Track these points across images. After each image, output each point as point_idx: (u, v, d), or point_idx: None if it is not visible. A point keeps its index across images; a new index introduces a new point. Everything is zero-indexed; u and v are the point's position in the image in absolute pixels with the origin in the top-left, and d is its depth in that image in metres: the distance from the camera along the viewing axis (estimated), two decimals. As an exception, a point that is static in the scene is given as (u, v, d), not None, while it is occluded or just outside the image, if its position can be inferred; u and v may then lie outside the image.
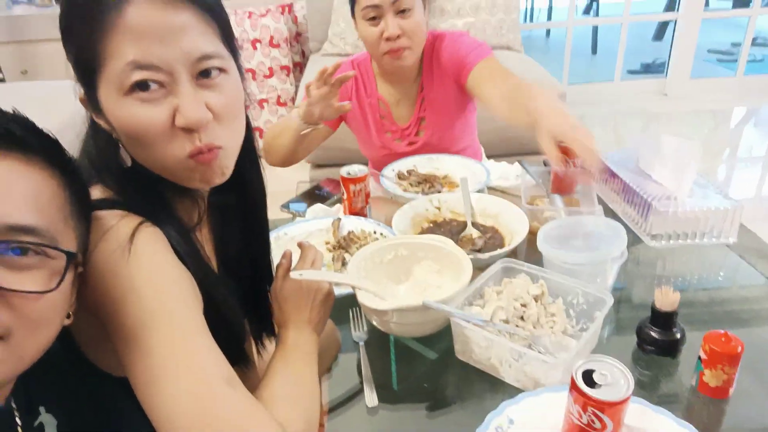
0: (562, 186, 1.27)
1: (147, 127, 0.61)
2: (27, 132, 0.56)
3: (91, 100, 0.65)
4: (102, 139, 0.67)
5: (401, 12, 1.32)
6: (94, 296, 0.61)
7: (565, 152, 1.26)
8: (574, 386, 0.62)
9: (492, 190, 1.37)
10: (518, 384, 0.78)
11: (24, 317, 0.52)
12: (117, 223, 0.62)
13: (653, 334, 0.83)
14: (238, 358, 0.77)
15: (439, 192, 1.31)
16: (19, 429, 0.60)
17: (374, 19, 1.34)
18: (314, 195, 1.43)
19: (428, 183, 1.35)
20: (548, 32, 5.74)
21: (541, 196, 1.25)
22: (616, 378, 0.62)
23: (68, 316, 0.59)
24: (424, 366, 0.88)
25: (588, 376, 0.62)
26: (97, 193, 0.67)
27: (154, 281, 0.61)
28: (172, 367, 0.58)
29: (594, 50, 5.00)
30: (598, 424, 0.60)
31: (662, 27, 5.05)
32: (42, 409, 0.63)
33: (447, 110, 1.48)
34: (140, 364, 0.59)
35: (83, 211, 0.61)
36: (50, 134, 0.60)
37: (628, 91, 3.72)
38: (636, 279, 1.06)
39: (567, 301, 0.88)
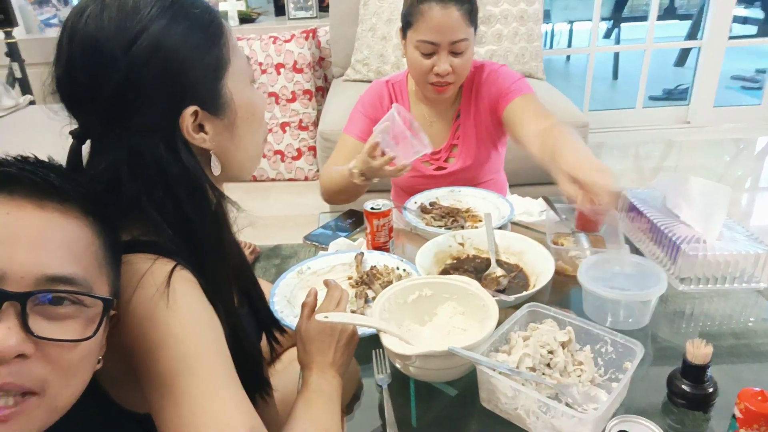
0: (587, 224, 1.26)
1: (264, 105, 0.79)
2: (64, 181, 0.57)
3: (209, 105, 0.69)
4: (189, 161, 0.68)
5: (455, 52, 1.35)
6: (127, 341, 0.62)
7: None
8: (606, 447, 0.60)
9: (515, 225, 1.36)
10: (546, 437, 0.77)
11: (59, 368, 0.53)
12: (151, 268, 0.63)
13: (684, 387, 0.80)
14: (259, 386, 0.79)
15: (462, 227, 1.30)
16: None
17: (428, 54, 1.36)
18: (337, 227, 1.43)
19: (451, 217, 1.35)
20: (568, 57, 5.74)
21: (566, 233, 1.24)
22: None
23: (98, 361, 0.60)
24: (444, 406, 0.86)
25: (621, 437, 0.61)
26: (124, 234, 0.67)
27: (190, 329, 0.62)
28: (201, 419, 0.59)
29: (615, 76, 4.98)
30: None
31: (684, 52, 5.02)
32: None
33: (480, 141, 1.50)
34: (170, 412, 0.60)
35: (115, 256, 0.62)
36: (83, 183, 0.61)
37: (650, 118, 3.68)
38: (665, 322, 1.04)
39: (595, 349, 0.86)
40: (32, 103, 2.76)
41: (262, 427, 0.63)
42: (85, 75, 0.64)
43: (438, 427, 0.84)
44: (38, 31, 3.34)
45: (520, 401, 0.77)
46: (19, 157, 0.58)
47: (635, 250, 1.22)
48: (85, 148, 0.70)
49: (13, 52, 2.84)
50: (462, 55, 1.36)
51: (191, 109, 0.67)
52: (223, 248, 0.74)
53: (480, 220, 1.34)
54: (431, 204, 1.41)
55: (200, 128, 0.69)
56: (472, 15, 1.36)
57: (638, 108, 3.66)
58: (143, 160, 0.66)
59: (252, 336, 0.81)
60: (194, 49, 0.66)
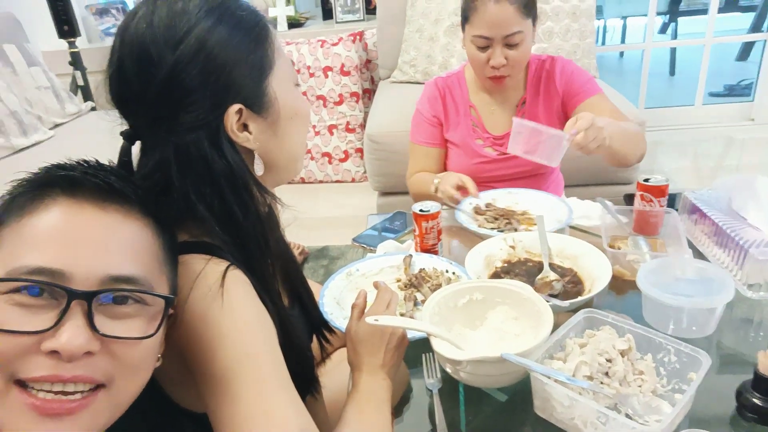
0: (645, 226, 1.21)
1: (305, 105, 0.79)
2: (125, 184, 0.59)
3: (253, 104, 0.69)
4: (233, 158, 0.69)
5: (510, 44, 1.37)
6: (184, 340, 0.63)
7: (650, 191, 1.21)
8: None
9: (573, 229, 1.31)
10: (604, 449, 0.73)
11: (123, 364, 0.55)
12: (205, 268, 0.64)
13: (756, 401, 0.76)
14: (309, 385, 0.80)
15: (516, 229, 1.27)
16: None
17: (483, 48, 1.39)
18: (385, 229, 1.42)
19: (505, 219, 1.31)
20: (622, 53, 5.55)
21: (623, 236, 1.19)
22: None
23: (158, 359, 0.61)
24: (494, 411, 0.85)
25: (688, 453, 0.58)
26: (179, 234, 0.69)
27: (244, 329, 0.63)
28: (255, 420, 0.60)
29: (672, 72, 4.78)
30: None
31: (747, 46, 4.77)
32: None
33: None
34: (226, 411, 0.61)
35: (173, 256, 0.63)
36: (141, 185, 0.63)
37: (710, 115, 3.51)
38: (731, 331, 0.98)
39: (657, 358, 0.82)
40: (93, 109, 2.89)
41: (314, 426, 0.63)
42: (133, 74, 0.66)
43: (487, 433, 0.82)
44: (99, 40, 3.49)
45: (577, 411, 0.74)
46: (81, 161, 0.60)
47: (698, 255, 1.16)
48: (136, 149, 0.72)
49: (76, 60, 2.98)
50: (517, 47, 1.38)
51: (236, 107, 0.67)
52: (269, 247, 0.75)
53: (535, 224, 1.30)
54: (487, 205, 1.38)
55: (244, 128, 0.70)
56: (527, 7, 1.37)
57: (697, 105, 3.50)
58: (189, 158, 0.67)
59: (303, 336, 0.81)
60: (239, 49, 0.68)
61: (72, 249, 0.53)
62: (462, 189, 1.38)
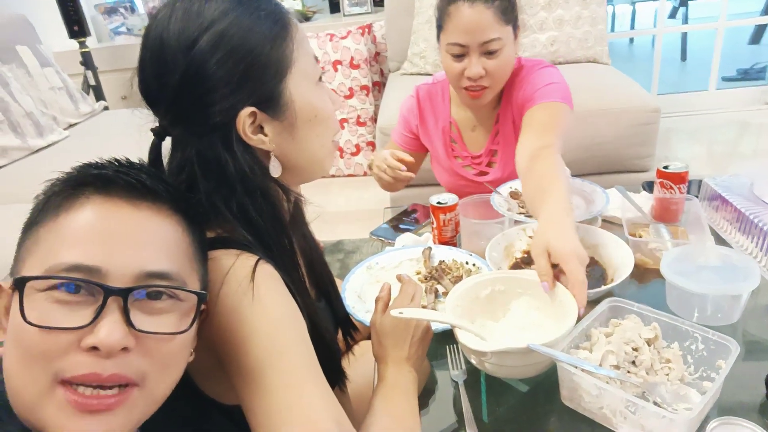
0: (666, 214, 1.20)
1: (330, 106, 0.76)
2: (156, 182, 0.60)
3: (268, 107, 0.69)
4: (249, 160, 0.69)
5: (488, 53, 1.26)
6: (216, 335, 0.64)
7: (670, 178, 1.20)
8: (705, 451, 0.57)
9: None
10: (634, 438, 0.73)
11: (157, 360, 0.56)
12: (235, 263, 0.65)
13: (787, 387, 0.75)
14: (337, 377, 0.80)
15: None
16: None
17: (459, 56, 1.28)
18: (402, 221, 1.42)
19: None
20: (631, 39, 5.50)
21: (644, 224, 1.19)
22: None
23: (190, 354, 0.62)
24: (518, 402, 0.85)
25: (722, 441, 0.57)
26: (208, 231, 0.70)
27: (276, 323, 0.64)
28: (287, 411, 0.61)
29: (683, 57, 4.73)
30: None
31: (759, 29, 4.70)
32: (162, 440, 0.66)
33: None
34: (258, 403, 0.62)
35: (203, 252, 0.64)
36: (173, 183, 0.64)
37: (724, 100, 3.47)
38: (756, 318, 0.97)
39: (684, 346, 0.82)
40: (106, 108, 2.90)
41: (346, 417, 0.64)
42: (152, 76, 0.67)
43: (510, 423, 0.82)
44: (108, 40, 3.51)
45: (605, 400, 0.74)
46: (113, 160, 0.61)
47: (720, 241, 1.15)
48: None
49: (87, 60, 2.99)
50: (496, 56, 1.26)
51: (248, 110, 0.67)
52: (292, 244, 0.75)
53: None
54: None
55: (260, 129, 0.70)
56: (506, 12, 1.25)
57: (711, 90, 3.46)
58: (207, 159, 0.68)
59: (330, 328, 0.82)
60: (254, 51, 0.67)
61: (107, 246, 0.54)
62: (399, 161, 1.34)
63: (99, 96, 3.03)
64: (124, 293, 0.53)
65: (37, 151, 2.29)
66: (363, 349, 1.10)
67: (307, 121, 0.73)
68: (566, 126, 1.24)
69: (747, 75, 3.95)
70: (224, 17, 0.66)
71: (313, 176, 0.79)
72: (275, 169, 0.73)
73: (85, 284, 0.52)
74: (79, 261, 0.52)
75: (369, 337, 0.87)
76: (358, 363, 1.05)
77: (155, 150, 0.71)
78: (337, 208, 2.75)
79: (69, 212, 0.55)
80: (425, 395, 0.91)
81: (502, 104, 1.40)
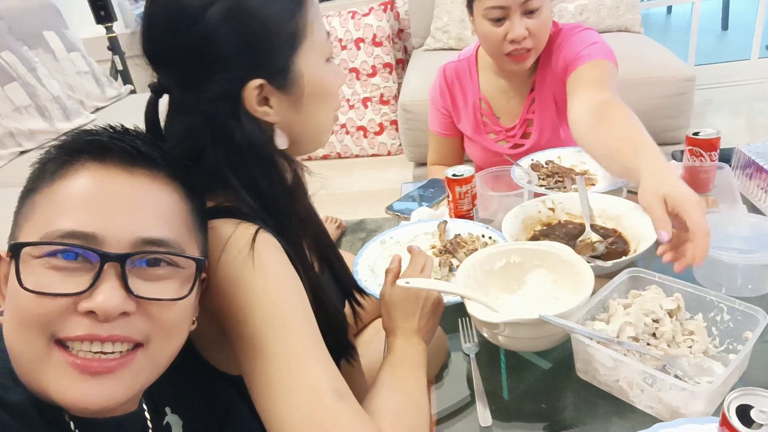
0: (696, 183, 1.14)
1: (337, 83, 0.76)
2: (151, 148, 0.59)
3: (276, 80, 0.68)
4: (255, 129, 0.68)
5: (529, 12, 1.22)
6: (217, 303, 0.64)
7: (700, 145, 1.14)
8: (726, 422, 0.53)
9: (630, 193, 1.22)
10: (652, 411, 0.70)
11: (160, 325, 0.55)
12: (235, 232, 0.64)
13: (821, 361, 0.70)
14: (344, 349, 0.79)
15: (564, 188, 1.20)
16: (150, 430, 0.63)
17: (499, 20, 1.24)
18: (420, 197, 1.40)
19: (558, 177, 1.22)
20: (669, 9, 5.27)
21: (671, 195, 1.13)
22: (780, 418, 0.53)
23: (192, 322, 0.62)
24: (536, 377, 0.82)
25: (743, 412, 0.54)
26: (208, 200, 0.69)
27: (276, 291, 0.63)
28: (288, 380, 0.60)
29: (725, 26, 4.51)
30: (756, 471, 0.51)
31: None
32: (168, 409, 0.67)
33: (560, 114, 1.35)
34: (259, 371, 0.61)
35: (202, 221, 0.63)
36: (167, 149, 0.63)
37: (766, 69, 3.30)
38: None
39: (708, 318, 0.77)
40: (133, 92, 2.94)
41: (347, 388, 0.63)
42: (164, 34, 0.66)
43: (531, 398, 0.79)
44: (135, 25, 3.52)
45: (622, 373, 0.71)
46: (108, 126, 0.60)
47: (754, 211, 1.09)
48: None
49: (114, 46, 3.03)
50: (537, 14, 1.22)
51: (257, 81, 0.66)
52: (296, 215, 0.74)
53: (594, 184, 1.23)
54: (547, 162, 1.29)
55: (266, 101, 0.69)
56: None
57: (753, 59, 3.28)
58: (215, 128, 0.67)
59: (335, 300, 0.80)
60: (269, 19, 0.66)
61: (103, 213, 0.54)
62: None
63: (126, 80, 3.07)
64: (122, 259, 0.53)
65: (64, 134, 2.33)
66: (378, 326, 1.09)
67: (313, 97, 0.72)
68: (617, 84, 1.20)
69: (793, 43, 3.74)
70: None
71: (311, 149, 0.79)
72: (282, 142, 0.72)
73: (81, 250, 0.52)
74: (75, 228, 0.52)
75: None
76: (375, 339, 1.04)
77: (152, 107, 0.71)
78: (360, 187, 2.74)
79: (64, 179, 0.55)
80: (439, 371, 0.89)
81: (539, 71, 1.36)
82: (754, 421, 0.53)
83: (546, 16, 1.25)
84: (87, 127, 0.61)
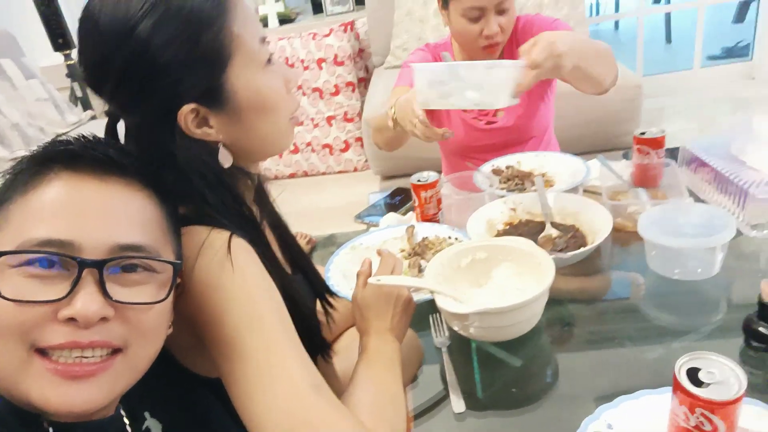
0: (646, 178, 1.21)
1: (279, 89, 0.74)
2: (123, 156, 0.60)
3: (209, 101, 0.68)
4: (198, 151, 0.69)
5: (501, 11, 1.36)
6: (192, 308, 0.65)
7: (647, 143, 1.21)
8: (678, 386, 0.58)
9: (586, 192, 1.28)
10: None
11: (137, 330, 0.56)
12: (209, 236, 0.65)
13: (762, 329, 0.76)
14: (319, 348, 0.81)
15: (523, 190, 1.25)
16: None
17: (476, 19, 1.37)
18: (387, 205, 1.43)
19: (518, 180, 1.30)
20: (617, 24, 5.52)
21: (623, 190, 1.19)
22: (725, 376, 0.57)
23: (169, 327, 0.63)
24: (508, 373, 0.85)
25: (693, 375, 0.58)
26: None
27: (251, 292, 0.65)
28: (268, 376, 0.61)
29: (668, 38, 4.74)
30: (708, 427, 0.56)
31: (743, 7, 4.72)
32: (147, 414, 0.67)
33: (528, 93, 1.42)
34: (238, 370, 0.62)
35: (175, 226, 0.65)
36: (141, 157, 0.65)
37: (710, 77, 3.48)
38: (737, 273, 0.98)
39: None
40: (93, 118, 2.91)
41: (325, 384, 0.64)
42: (93, 63, 0.67)
43: (503, 386, 0.82)
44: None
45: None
46: (80, 136, 0.62)
47: (699, 202, 1.16)
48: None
49: (73, 72, 3.00)
50: (508, 12, 1.37)
51: (189, 106, 0.67)
52: (257, 223, 0.75)
53: (552, 185, 1.28)
54: (507, 167, 1.36)
55: (205, 121, 0.69)
56: None
57: (696, 68, 3.47)
58: (160, 151, 0.68)
59: (308, 300, 0.82)
60: (184, 48, 0.65)
61: (79, 220, 0.54)
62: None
63: (87, 106, 3.03)
64: (99, 265, 0.53)
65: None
66: (353, 335, 1.10)
67: (255, 109, 0.71)
68: None
69: (731, 53, 3.97)
70: (153, 11, 0.64)
71: (270, 155, 0.79)
72: (226, 160, 0.72)
73: (59, 258, 0.53)
74: (50, 236, 0.53)
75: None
76: (349, 348, 1.05)
77: (110, 131, 0.72)
78: (328, 204, 2.76)
79: (37, 189, 0.56)
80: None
81: (504, 55, 1.49)
82: (703, 382, 0.57)
83: (513, 12, 1.40)
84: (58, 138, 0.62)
